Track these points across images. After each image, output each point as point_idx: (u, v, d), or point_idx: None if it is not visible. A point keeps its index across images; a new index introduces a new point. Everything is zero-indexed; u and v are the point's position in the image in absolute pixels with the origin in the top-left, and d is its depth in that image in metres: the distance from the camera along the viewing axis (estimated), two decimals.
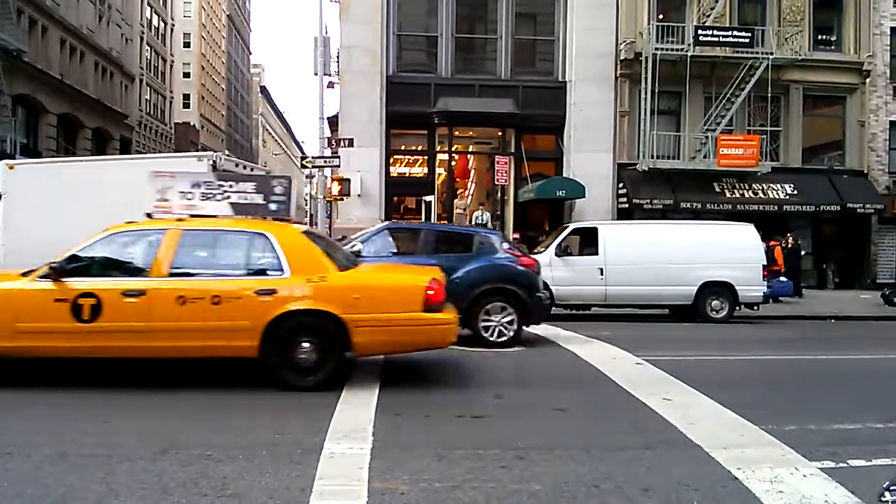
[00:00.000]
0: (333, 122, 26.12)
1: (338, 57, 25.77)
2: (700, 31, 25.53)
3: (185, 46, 79.70)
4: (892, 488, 3.16)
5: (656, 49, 25.55)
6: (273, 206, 9.09)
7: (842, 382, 9.55)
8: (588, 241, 17.78)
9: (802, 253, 25.14)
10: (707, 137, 26.27)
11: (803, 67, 27.14)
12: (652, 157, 25.96)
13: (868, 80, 28.06)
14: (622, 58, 26.33)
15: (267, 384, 7.83)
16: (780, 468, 5.27)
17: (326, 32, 20.96)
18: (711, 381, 8.55)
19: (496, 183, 26.31)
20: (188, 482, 4.85)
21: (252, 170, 17.28)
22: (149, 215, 8.69)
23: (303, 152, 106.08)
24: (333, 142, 21.32)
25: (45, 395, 7.63)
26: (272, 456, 5.45)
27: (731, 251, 17.11)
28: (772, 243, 22.63)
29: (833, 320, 18.32)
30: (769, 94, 26.29)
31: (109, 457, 5.35)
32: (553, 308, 16.79)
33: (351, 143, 20.99)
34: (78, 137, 45.81)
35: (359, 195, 24.42)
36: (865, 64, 27.79)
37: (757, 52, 25.72)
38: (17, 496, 4.57)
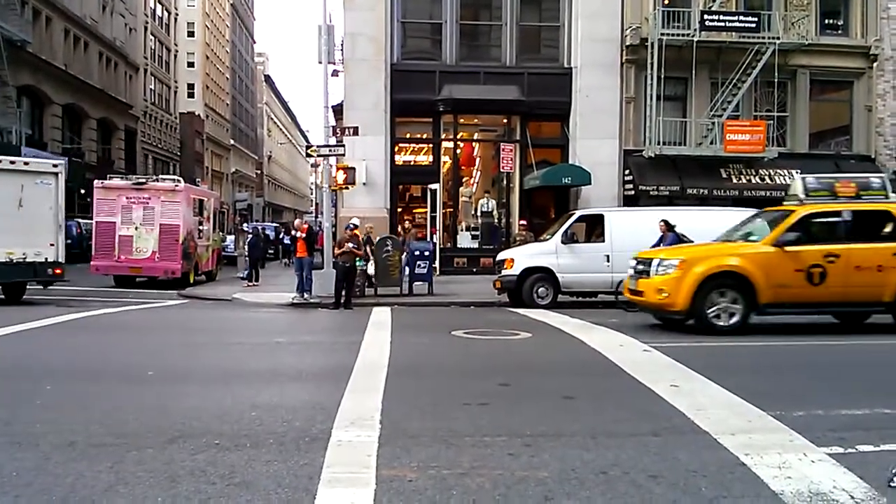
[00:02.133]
0: (338, 110, 26.05)
1: (342, 45, 25.69)
2: (706, 16, 25.38)
3: (188, 36, 79.53)
4: None
5: (662, 34, 25.41)
6: None
7: (850, 368, 9.52)
8: (594, 228, 17.79)
9: None
10: (713, 123, 26.16)
11: (810, 52, 26.97)
12: (658, 144, 25.87)
13: (875, 65, 27.88)
14: (628, 43, 26.20)
15: (273, 370, 7.82)
16: (788, 454, 5.26)
17: (330, 20, 20.83)
18: (718, 368, 8.55)
19: (501, 170, 26.31)
20: (196, 470, 4.86)
21: (27, 164, 17.47)
22: None
23: (308, 141, 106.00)
24: (338, 130, 21.23)
25: (51, 384, 7.65)
26: (280, 444, 5.46)
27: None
28: None
29: None
30: (776, 80, 26.13)
31: (117, 446, 5.37)
32: (559, 295, 16.87)
33: (356, 131, 20.91)
34: (83, 128, 45.88)
35: (364, 184, 24.39)
36: (873, 48, 27.61)
37: (763, 37, 25.55)
38: (27, 485, 4.58)
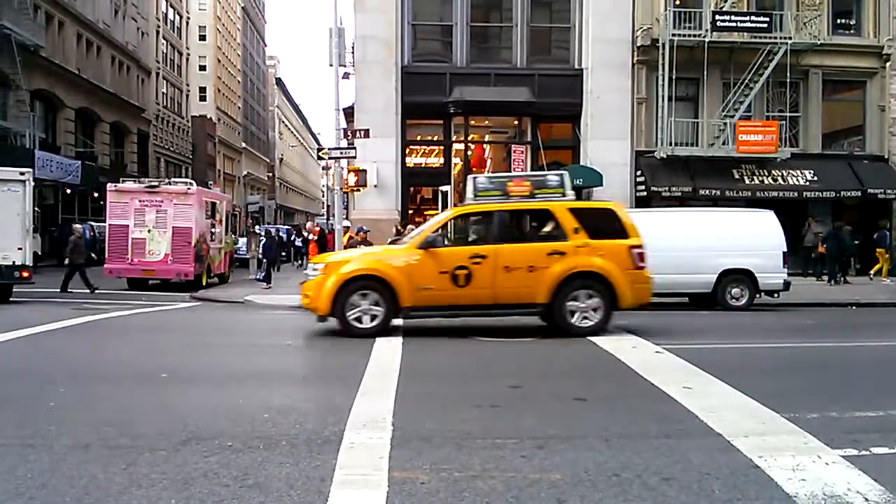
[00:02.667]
0: (349, 112, 26.11)
1: (353, 48, 25.74)
2: (717, 17, 25.30)
3: (200, 39, 79.89)
4: None
5: (673, 35, 25.35)
6: None
7: (863, 370, 9.47)
8: None
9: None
10: (725, 124, 26.07)
11: (822, 52, 26.84)
12: (670, 145, 25.80)
13: (888, 64, 27.71)
14: (639, 44, 26.14)
15: (285, 372, 7.83)
16: (802, 456, 5.23)
17: (341, 23, 20.94)
18: (732, 370, 8.51)
19: (513, 172, 26.25)
20: (209, 473, 4.87)
21: None
22: None
23: (319, 144, 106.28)
24: (349, 133, 21.32)
25: (64, 386, 7.69)
26: (292, 446, 5.47)
27: (751, 238, 17.01)
28: None
29: (854, 307, 18.17)
30: (788, 80, 26.04)
31: (131, 448, 5.39)
32: None
33: (367, 133, 20.96)
34: (96, 132, 46.12)
35: (375, 186, 24.43)
36: (885, 48, 27.45)
37: (775, 37, 25.45)
38: (41, 487, 4.60)
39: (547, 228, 12.41)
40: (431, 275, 11.68)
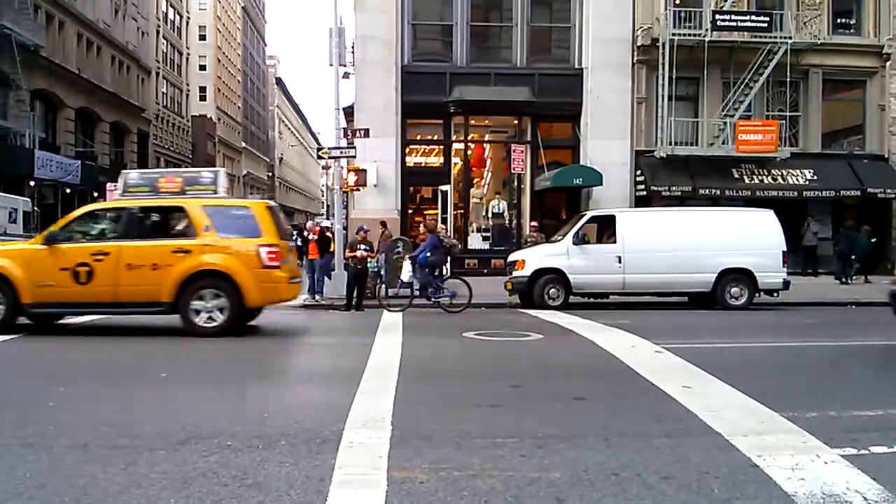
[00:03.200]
0: (349, 112, 26.10)
1: (353, 47, 25.74)
2: (717, 16, 25.30)
3: (200, 39, 79.93)
4: None
5: (673, 34, 25.34)
6: None
7: (863, 368, 9.47)
8: (605, 229, 17.76)
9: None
10: (725, 123, 26.07)
11: (822, 51, 26.85)
12: (670, 144, 25.79)
13: (888, 64, 27.71)
14: (639, 44, 26.14)
15: (284, 372, 7.81)
16: (801, 455, 5.23)
17: (341, 23, 20.93)
18: (731, 369, 8.51)
19: (513, 171, 26.30)
20: (208, 472, 4.87)
21: None
22: None
23: (319, 143, 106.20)
24: (349, 132, 21.29)
25: (64, 386, 7.69)
26: (291, 445, 5.47)
27: (751, 238, 17.01)
28: None
29: (853, 306, 18.17)
30: (788, 79, 26.04)
31: (130, 447, 5.39)
32: (571, 297, 16.85)
33: (367, 133, 20.93)
34: (96, 131, 46.12)
35: (375, 185, 24.42)
36: (885, 47, 27.45)
37: (775, 37, 25.46)
38: (40, 487, 4.60)
39: (180, 226, 12.25)
40: (52, 271, 11.51)
